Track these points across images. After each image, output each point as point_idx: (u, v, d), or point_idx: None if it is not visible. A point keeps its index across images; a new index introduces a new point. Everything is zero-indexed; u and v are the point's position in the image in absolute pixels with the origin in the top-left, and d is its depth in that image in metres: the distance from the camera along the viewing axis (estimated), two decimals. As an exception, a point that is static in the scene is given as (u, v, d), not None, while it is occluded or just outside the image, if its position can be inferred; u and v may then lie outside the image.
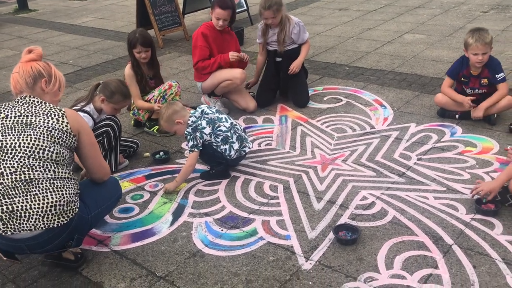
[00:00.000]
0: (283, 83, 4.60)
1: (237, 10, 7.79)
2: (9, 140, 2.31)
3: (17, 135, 2.32)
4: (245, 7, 7.98)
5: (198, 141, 3.27)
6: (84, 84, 5.75)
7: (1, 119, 2.37)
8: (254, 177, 3.45)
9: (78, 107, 3.43)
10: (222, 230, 2.90)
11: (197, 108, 3.43)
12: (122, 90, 3.43)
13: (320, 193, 3.19)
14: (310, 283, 2.44)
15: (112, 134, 3.45)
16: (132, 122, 4.42)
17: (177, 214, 3.09)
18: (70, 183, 2.42)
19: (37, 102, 2.43)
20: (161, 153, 3.80)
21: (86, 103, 3.45)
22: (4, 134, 2.32)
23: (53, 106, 2.45)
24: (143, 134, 4.26)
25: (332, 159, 3.63)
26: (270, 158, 3.70)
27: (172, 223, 3.00)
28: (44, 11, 10.68)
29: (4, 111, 2.40)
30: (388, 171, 3.40)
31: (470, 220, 2.82)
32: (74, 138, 2.45)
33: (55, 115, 2.40)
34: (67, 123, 2.41)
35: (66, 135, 2.41)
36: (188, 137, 3.28)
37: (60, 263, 2.62)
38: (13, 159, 2.28)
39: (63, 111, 2.44)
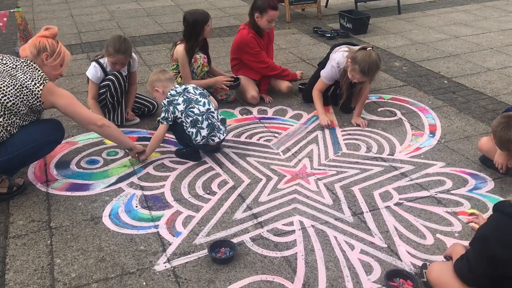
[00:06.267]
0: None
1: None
2: None
3: None
4: (395, -6, 7.30)
5: (169, 115, 3.29)
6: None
7: None
8: (218, 168, 3.35)
9: (96, 58, 3.77)
10: (136, 206, 2.95)
11: (183, 85, 3.44)
12: (114, 43, 3.62)
13: (255, 204, 2.96)
14: (144, 283, 2.36)
15: (112, 88, 3.71)
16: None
17: (121, 179, 3.23)
18: None
19: (33, 67, 2.91)
20: (168, 120, 3.92)
21: (101, 56, 3.77)
22: None
23: (42, 75, 2.89)
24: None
25: (309, 173, 3.28)
26: (253, 154, 3.52)
27: (108, 186, 3.15)
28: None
29: (3, 58, 2.90)
30: (348, 205, 2.94)
31: (369, 291, 2.32)
32: (39, 103, 2.88)
33: (36, 80, 2.85)
34: (40, 90, 2.85)
35: (34, 98, 2.85)
36: (163, 108, 3.33)
37: None
38: None
39: (46, 82, 2.88)
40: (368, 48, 3.64)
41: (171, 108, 3.29)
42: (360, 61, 3.58)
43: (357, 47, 3.84)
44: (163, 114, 3.32)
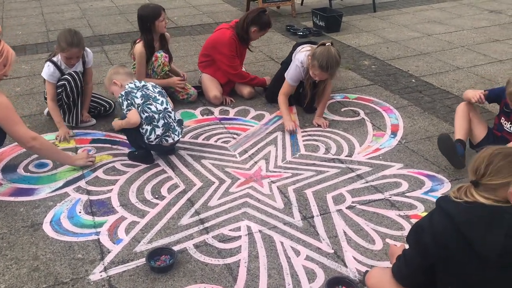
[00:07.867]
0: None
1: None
2: None
3: None
4: (371, -8, 7.24)
5: (130, 101, 3.17)
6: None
7: None
8: (171, 171, 3.25)
9: (49, 58, 3.65)
10: (80, 212, 2.84)
11: (142, 82, 3.33)
12: (65, 37, 3.48)
13: (204, 208, 2.87)
14: (76, 294, 2.26)
15: (68, 89, 3.58)
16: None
17: (68, 183, 3.12)
18: None
19: None
20: (124, 122, 3.81)
21: (54, 54, 3.64)
22: None
23: None
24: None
25: (264, 176, 3.19)
26: (208, 156, 3.43)
27: (54, 190, 3.04)
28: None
29: None
30: (299, 209, 2.86)
31: (310, 299, 2.23)
32: None
33: None
34: None
35: None
36: (121, 99, 3.19)
37: None
38: None
39: None
40: (327, 44, 3.57)
41: (129, 97, 3.17)
42: (318, 56, 3.52)
43: None
44: (125, 103, 3.18)
